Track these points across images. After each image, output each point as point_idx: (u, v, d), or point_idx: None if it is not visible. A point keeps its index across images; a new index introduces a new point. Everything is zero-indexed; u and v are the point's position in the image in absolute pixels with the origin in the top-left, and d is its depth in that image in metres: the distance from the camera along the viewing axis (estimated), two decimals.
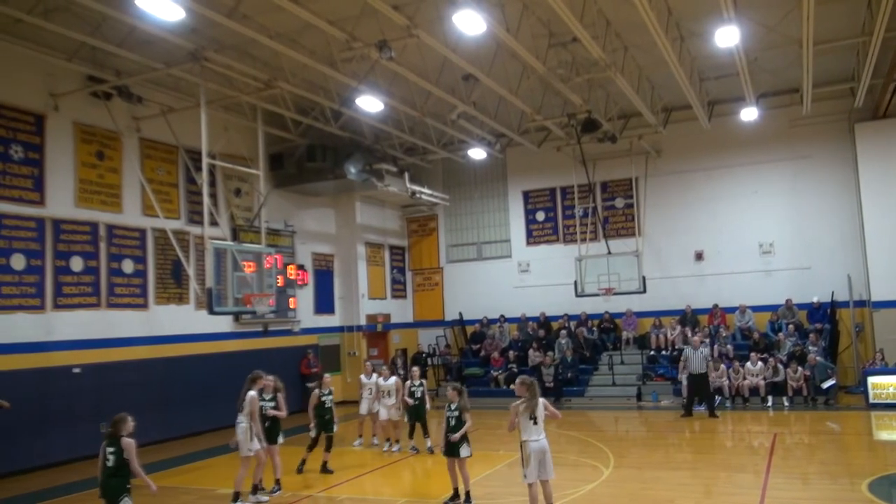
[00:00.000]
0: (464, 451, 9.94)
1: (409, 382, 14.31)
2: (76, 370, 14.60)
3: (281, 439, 11.29)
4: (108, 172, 16.00)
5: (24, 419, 13.40)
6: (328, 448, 12.53)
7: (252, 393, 10.48)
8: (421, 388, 14.11)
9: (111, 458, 7.90)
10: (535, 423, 8.67)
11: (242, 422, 10.35)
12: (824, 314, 20.53)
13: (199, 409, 17.20)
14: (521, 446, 8.75)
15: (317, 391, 12.60)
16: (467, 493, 9.99)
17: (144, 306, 16.63)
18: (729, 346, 20.00)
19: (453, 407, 10.16)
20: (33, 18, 12.37)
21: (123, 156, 16.27)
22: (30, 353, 13.97)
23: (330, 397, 12.74)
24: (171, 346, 17.02)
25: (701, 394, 17.28)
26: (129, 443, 7.93)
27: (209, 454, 14.84)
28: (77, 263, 15.14)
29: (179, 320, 17.40)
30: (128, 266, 16.28)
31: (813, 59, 15.86)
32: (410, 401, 14.11)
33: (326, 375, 13.13)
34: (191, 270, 16.97)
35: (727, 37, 13.93)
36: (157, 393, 16.36)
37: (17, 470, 13.25)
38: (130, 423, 8.02)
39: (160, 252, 17.05)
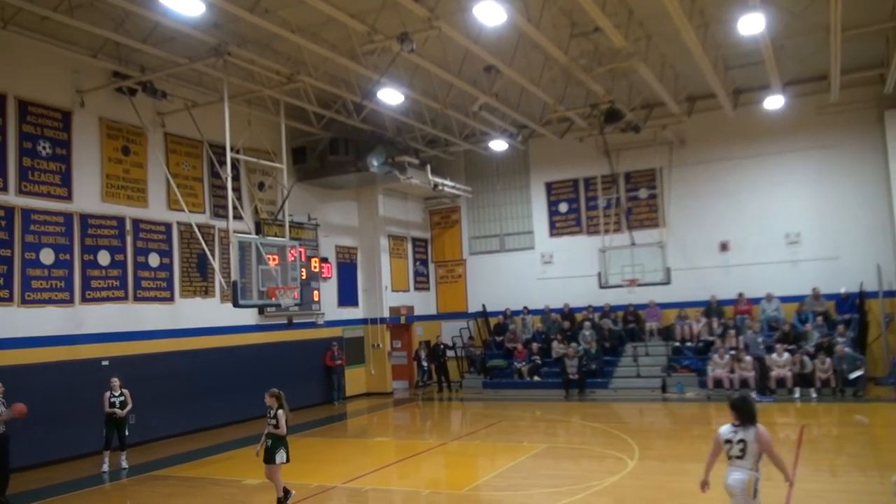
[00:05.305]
0: (279, 456, 9.79)
1: None
2: (105, 363, 14.80)
3: None
4: (134, 167, 16.18)
5: (53, 411, 13.64)
6: None
7: None
8: None
9: None
10: None
11: None
12: (852, 304, 20.24)
13: (224, 402, 17.38)
14: None
15: None
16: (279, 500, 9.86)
17: (170, 299, 16.81)
18: (760, 340, 19.71)
19: (272, 413, 9.86)
20: (59, 16, 12.52)
21: (148, 151, 16.44)
22: (59, 347, 14.21)
23: None
24: (197, 339, 17.20)
25: None
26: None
27: (233, 446, 14.99)
28: (104, 257, 15.34)
29: (205, 313, 17.57)
30: (154, 260, 16.47)
31: (841, 45, 15.57)
32: None
33: None
34: (216, 264, 17.12)
35: (752, 24, 13.72)
36: (182, 385, 16.56)
37: (47, 461, 13.48)
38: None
39: (185, 246, 17.22)
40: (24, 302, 13.73)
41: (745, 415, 6.57)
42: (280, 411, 9.77)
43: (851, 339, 18.94)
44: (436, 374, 23.65)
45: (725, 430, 6.62)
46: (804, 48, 17.53)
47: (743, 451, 6.44)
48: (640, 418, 17.76)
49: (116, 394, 13.06)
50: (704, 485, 6.76)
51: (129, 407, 13.18)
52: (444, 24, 13.15)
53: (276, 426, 9.72)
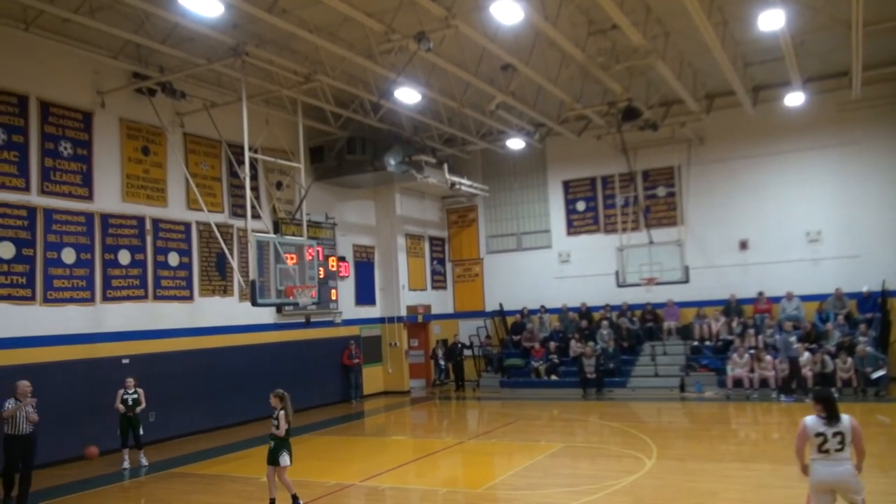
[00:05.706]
0: (283, 459, 9.59)
1: None
2: (125, 361, 14.95)
3: None
4: (154, 167, 16.32)
5: (74, 409, 13.80)
6: None
7: None
8: None
9: None
10: None
11: None
12: (874, 303, 20.00)
13: (242, 400, 17.45)
14: None
15: None
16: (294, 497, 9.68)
17: (189, 298, 16.94)
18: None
19: (275, 414, 9.66)
20: (80, 17, 12.66)
21: (168, 151, 16.57)
22: (80, 345, 14.37)
23: None
24: (216, 338, 17.31)
25: None
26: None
27: (251, 444, 15.05)
28: (125, 257, 15.49)
29: (223, 312, 17.68)
30: (173, 259, 16.60)
31: (862, 40, 15.39)
32: None
33: None
34: (234, 263, 17.23)
35: (772, 19, 13.59)
36: (201, 383, 16.68)
37: (68, 458, 13.56)
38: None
39: (204, 245, 17.35)
40: (46, 301, 13.89)
41: (832, 408, 6.63)
42: (282, 412, 9.59)
43: (873, 339, 18.71)
44: (453, 373, 23.68)
45: (814, 422, 6.65)
46: (825, 44, 17.33)
47: (842, 443, 6.54)
48: (658, 418, 17.66)
49: (130, 391, 13.23)
50: (805, 468, 6.79)
51: (142, 406, 13.31)
52: (460, 23, 13.14)
53: (277, 427, 9.64)
